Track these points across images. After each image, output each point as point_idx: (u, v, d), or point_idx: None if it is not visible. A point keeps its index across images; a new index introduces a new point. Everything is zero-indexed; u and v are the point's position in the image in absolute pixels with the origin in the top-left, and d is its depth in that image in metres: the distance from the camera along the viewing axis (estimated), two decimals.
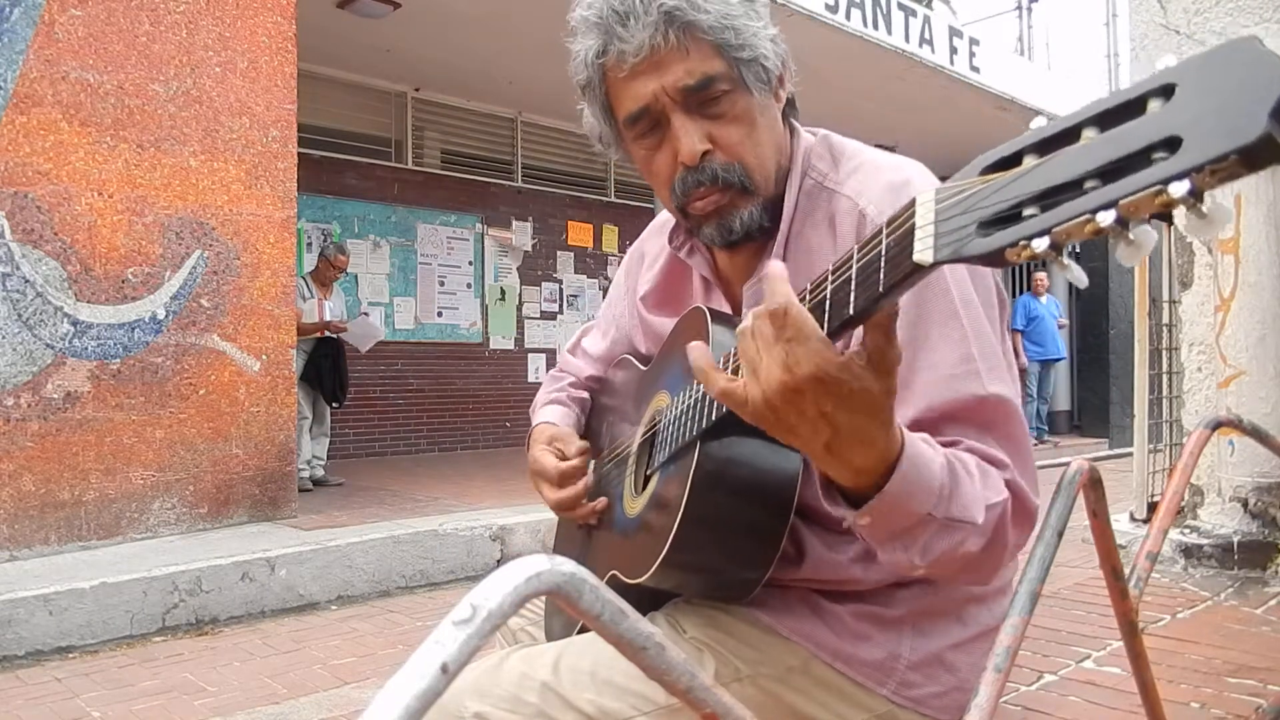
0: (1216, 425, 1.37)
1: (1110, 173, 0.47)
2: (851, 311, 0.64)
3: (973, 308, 0.87)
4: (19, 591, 3.04)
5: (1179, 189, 0.44)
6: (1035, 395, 9.67)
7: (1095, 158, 0.48)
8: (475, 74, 7.75)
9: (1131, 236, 0.47)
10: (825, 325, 0.67)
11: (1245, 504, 3.20)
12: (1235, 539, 3.15)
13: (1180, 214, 0.45)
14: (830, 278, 0.68)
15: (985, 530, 0.79)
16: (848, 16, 7.15)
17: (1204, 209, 0.45)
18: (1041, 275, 9.70)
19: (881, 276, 0.61)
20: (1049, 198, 0.50)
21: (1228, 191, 3.17)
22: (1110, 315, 10.39)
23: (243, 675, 2.72)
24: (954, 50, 8.35)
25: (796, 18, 6.71)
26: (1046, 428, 10.14)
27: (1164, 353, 3.76)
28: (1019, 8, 13.48)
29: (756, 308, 0.69)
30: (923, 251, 0.57)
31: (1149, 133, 0.46)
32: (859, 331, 0.68)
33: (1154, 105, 0.47)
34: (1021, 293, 10.02)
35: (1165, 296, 3.70)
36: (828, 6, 6.97)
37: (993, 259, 0.52)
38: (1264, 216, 3.11)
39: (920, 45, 7.90)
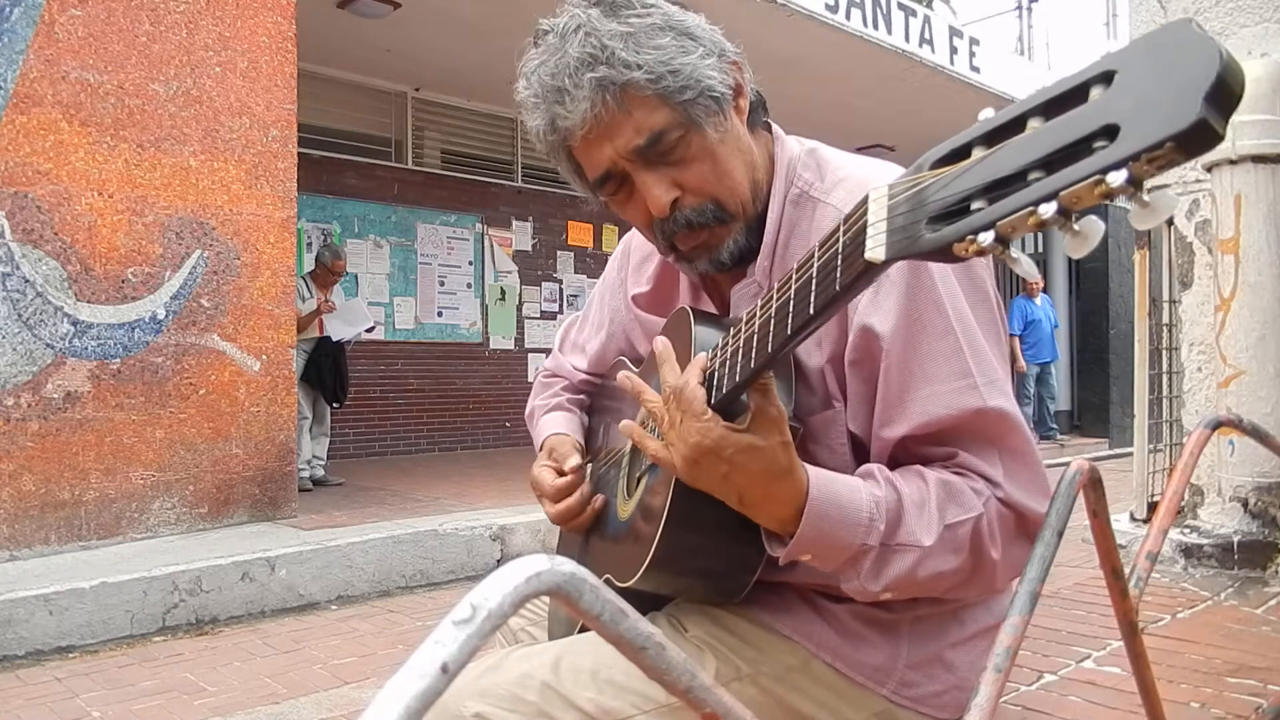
0: (1216, 425, 1.37)
1: (1052, 163, 0.47)
2: (812, 311, 0.65)
3: (966, 320, 0.86)
4: (19, 591, 3.04)
5: (1117, 178, 0.43)
6: (1031, 395, 9.65)
7: (1038, 148, 0.47)
8: (475, 74, 7.75)
9: (1076, 227, 0.47)
10: (789, 328, 0.68)
11: (1245, 504, 3.19)
12: (1235, 539, 3.15)
13: (1124, 202, 0.45)
14: (794, 278, 0.69)
15: (945, 549, 0.80)
16: (848, 16, 7.15)
17: (1146, 197, 0.44)
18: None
19: (839, 275, 0.61)
20: (994, 190, 0.49)
21: (1218, 181, 3.17)
22: (1110, 315, 10.39)
23: (243, 675, 2.72)
24: (954, 50, 8.35)
25: (796, 18, 6.70)
26: (1057, 428, 10.12)
27: (1164, 353, 3.75)
28: (1019, 8, 13.47)
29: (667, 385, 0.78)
30: (874, 249, 0.56)
31: (1089, 121, 0.45)
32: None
33: (1095, 92, 0.46)
34: (1016, 294, 9.98)
35: (1165, 296, 3.69)
36: (828, 6, 6.97)
37: (942, 254, 0.52)
38: (1264, 216, 3.11)
39: (920, 45, 7.90)
